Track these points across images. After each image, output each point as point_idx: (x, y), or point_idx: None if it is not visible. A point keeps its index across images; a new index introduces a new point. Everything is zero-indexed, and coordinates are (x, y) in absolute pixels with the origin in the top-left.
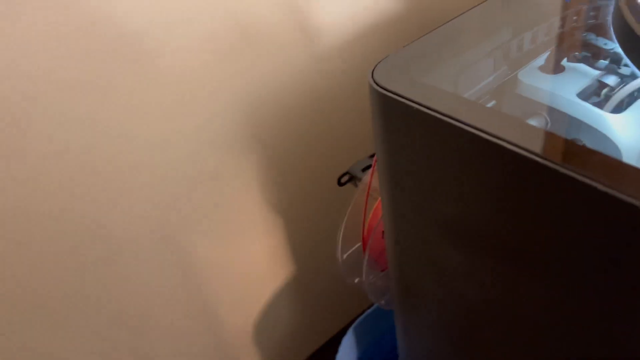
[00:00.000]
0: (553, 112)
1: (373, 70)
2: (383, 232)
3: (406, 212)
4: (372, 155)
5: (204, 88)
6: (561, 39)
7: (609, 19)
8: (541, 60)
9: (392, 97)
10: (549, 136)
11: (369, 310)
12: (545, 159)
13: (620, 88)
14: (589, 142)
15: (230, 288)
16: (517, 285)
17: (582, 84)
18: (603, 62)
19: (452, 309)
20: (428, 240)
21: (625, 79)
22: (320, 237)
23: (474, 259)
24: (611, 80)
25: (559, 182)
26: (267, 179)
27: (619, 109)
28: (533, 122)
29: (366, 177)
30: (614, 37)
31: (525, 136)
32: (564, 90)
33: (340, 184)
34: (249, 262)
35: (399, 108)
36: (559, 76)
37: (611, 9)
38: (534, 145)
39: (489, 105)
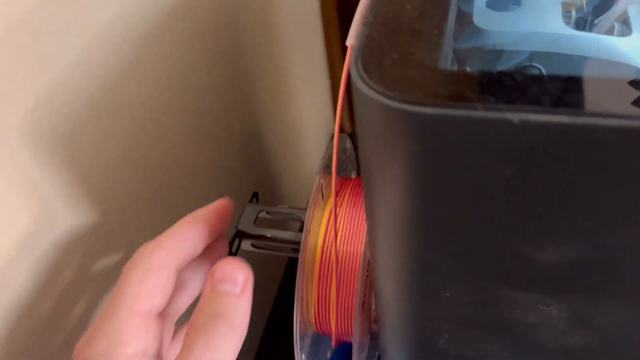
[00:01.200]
0: (548, 56)
1: (365, 72)
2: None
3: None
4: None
5: None
6: None
7: None
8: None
9: (431, 114)
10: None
11: None
12: None
13: (599, 6)
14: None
15: None
16: None
17: (551, 12)
18: None
19: None
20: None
21: None
22: None
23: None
24: None
25: None
26: None
27: (614, 31)
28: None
29: (311, 236)
30: None
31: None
32: (542, 24)
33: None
34: None
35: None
36: (520, 10)
37: None
38: None
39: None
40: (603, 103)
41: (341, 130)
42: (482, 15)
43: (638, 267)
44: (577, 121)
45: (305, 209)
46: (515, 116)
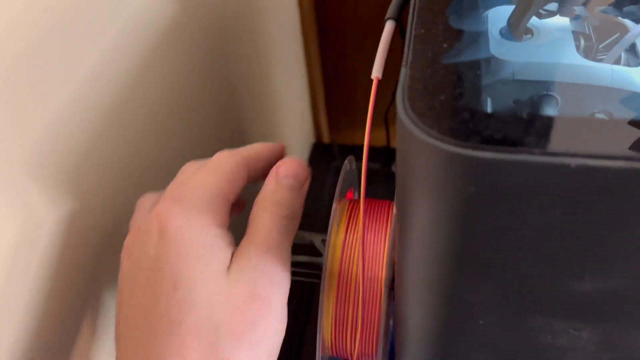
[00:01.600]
0: (565, 87)
1: (414, 116)
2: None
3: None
4: None
5: None
6: None
7: None
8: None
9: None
10: None
11: None
12: None
13: (608, 36)
14: (626, 110)
15: None
16: None
17: (564, 42)
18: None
19: None
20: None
21: (586, 19)
22: None
23: None
24: (578, 26)
25: None
26: None
27: (621, 60)
28: (546, 107)
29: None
30: None
31: None
32: (558, 55)
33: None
34: None
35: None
36: (535, 40)
37: None
38: None
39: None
40: None
41: (319, 139)
42: (498, 45)
43: None
44: (634, 165)
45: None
46: (572, 160)
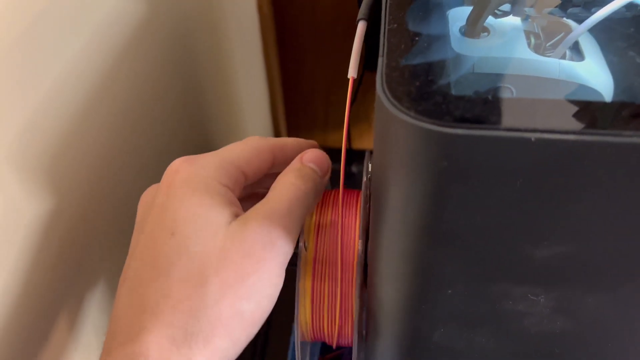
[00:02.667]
0: (518, 79)
1: (394, 96)
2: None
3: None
4: None
5: None
6: None
7: None
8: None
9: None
10: None
11: None
12: None
13: (554, 33)
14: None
15: None
16: None
17: (516, 39)
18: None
19: None
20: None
21: (535, 20)
22: None
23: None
24: (529, 25)
25: None
26: None
27: (569, 56)
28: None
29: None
30: None
31: None
32: (511, 50)
33: None
34: None
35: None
36: (491, 37)
37: None
38: None
39: None
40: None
41: (278, 135)
42: (459, 42)
43: (611, 261)
44: (584, 139)
45: None
46: (532, 135)
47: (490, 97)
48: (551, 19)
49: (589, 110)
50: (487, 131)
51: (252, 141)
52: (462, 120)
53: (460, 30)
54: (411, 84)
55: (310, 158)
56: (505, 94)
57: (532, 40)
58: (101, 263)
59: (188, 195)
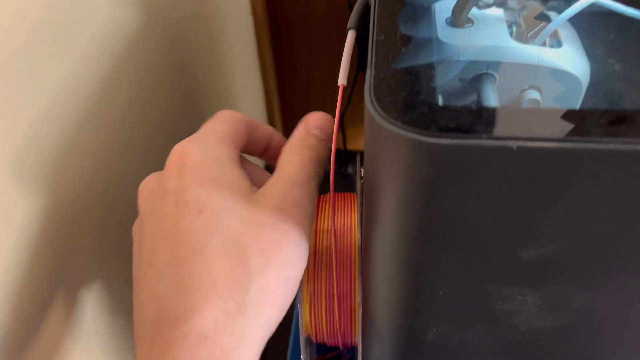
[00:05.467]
0: (500, 65)
1: (382, 106)
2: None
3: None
4: None
5: None
6: None
7: None
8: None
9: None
10: None
11: None
12: None
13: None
14: (552, 84)
15: None
16: None
17: (499, 29)
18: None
19: None
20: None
21: (516, 10)
22: None
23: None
24: (511, 16)
25: None
26: None
27: (549, 44)
28: (486, 83)
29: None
30: None
31: None
32: (494, 39)
33: None
34: None
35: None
36: (475, 27)
37: None
38: None
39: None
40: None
41: None
42: (445, 32)
43: (596, 260)
44: (564, 146)
45: None
46: (514, 143)
47: (473, 106)
48: (532, 9)
49: (570, 118)
50: (470, 140)
51: (227, 113)
52: (447, 130)
53: (446, 20)
54: (398, 95)
55: (314, 123)
56: (488, 80)
57: (514, 29)
58: (97, 260)
59: (208, 175)
